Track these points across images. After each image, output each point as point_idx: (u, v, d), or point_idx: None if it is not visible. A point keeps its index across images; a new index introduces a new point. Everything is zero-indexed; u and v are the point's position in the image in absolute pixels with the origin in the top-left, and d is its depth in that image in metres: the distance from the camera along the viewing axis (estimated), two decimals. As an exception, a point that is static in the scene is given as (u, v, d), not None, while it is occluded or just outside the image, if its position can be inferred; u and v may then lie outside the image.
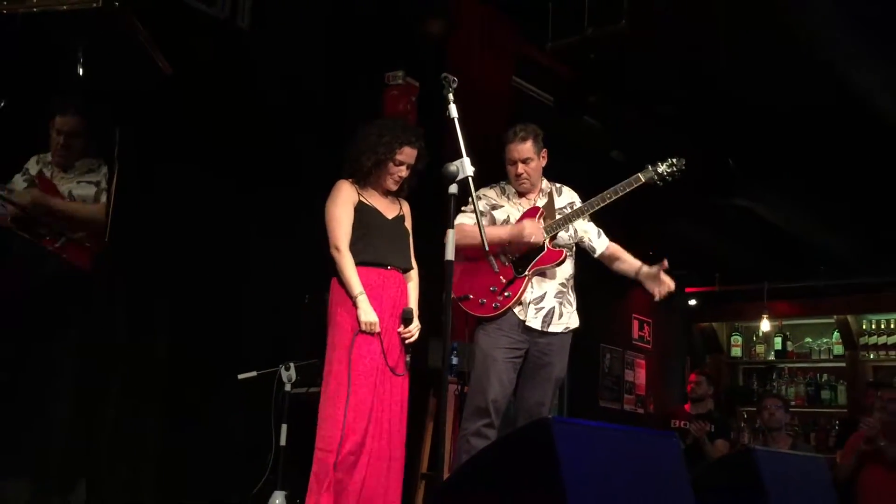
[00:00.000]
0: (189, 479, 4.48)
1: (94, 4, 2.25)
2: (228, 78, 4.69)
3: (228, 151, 4.71)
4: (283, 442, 4.35)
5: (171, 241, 4.46)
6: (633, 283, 8.89)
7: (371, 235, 3.85)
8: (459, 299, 4.00)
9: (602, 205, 4.02)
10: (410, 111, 5.39)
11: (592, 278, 7.97)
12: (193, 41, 4.48)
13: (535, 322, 3.96)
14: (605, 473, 2.24)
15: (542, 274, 4.03)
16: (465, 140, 3.30)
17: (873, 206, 7.47)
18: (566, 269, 4.10)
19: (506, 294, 3.96)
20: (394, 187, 3.95)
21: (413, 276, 4.00)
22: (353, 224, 3.85)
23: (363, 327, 3.67)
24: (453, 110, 3.37)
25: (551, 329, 3.99)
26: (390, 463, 3.77)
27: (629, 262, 4.26)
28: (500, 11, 5.86)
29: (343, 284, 3.75)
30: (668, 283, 4.13)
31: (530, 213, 4.08)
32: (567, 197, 4.21)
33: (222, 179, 4.69)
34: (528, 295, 3.99)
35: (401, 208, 4.02)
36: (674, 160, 4.10)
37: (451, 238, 3.17)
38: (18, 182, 4.03)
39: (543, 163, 4.15)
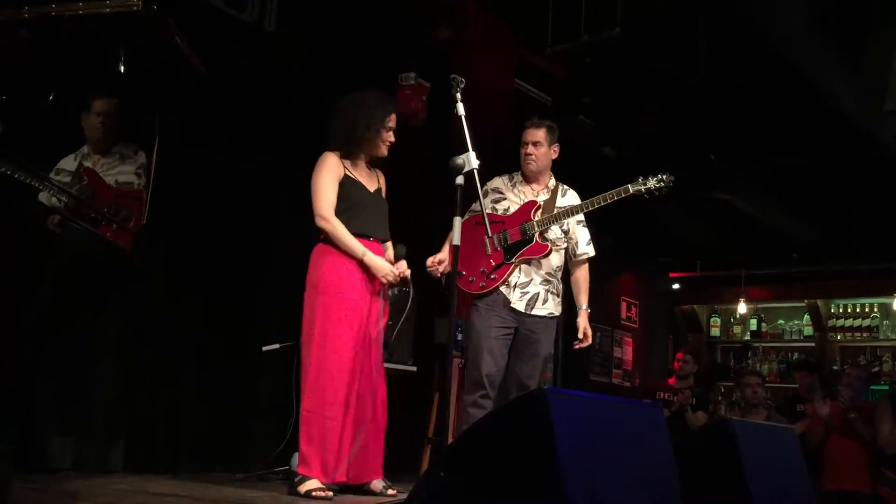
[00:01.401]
0: (217, 441, 4.50)
1: (135, 8, 2.24)
2: (256, 76, 4.68)
3: (255, 142, 4.71)
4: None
5: (203, 224, 4.47)
6: (622, 268, 8.93)
7: (356, 208, 3.71)
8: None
9: (590, 209, 4.01)
10: (422, 109, 5.38)
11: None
12: (224, 43, 4.48)
13: (519, 304, 3.98)
14: (596, 439, 2.24)
15: (530, 263, 4.03)
16: (471, 135, 3.30)
17: (842, 200, 7.45)
18: (554, 261, 4.09)
19: (492, 276, 3.99)
20: (386, 153, 3.82)
21: (390, 247, 3.90)
22: (339, 197, 3.68)
23: (390, 278, 3.63)
24: (460, 108, 3.37)
25: (534, 312, 3.99)
26: (374, 426, 3.70)
27: (580, 292, 4.19)
28: (504, 19, 5.84)
29: (342, 249, 3.62)
30: (587, 338, 4.11)
31: (527, 207, 4.06)
32: (570, 199, 4.18)
33: (248, 167, 4.69)
34: (515, 279, 4.00)
35: (378, 180, 3.89)
36: (663, 176, 4.02)
37: (458, 225, 3.17)
38: (62, 175, 4.04)
39: (554, 155, 4.15)
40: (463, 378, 4.77)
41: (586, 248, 4.19)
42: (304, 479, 3.49)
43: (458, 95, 3.35)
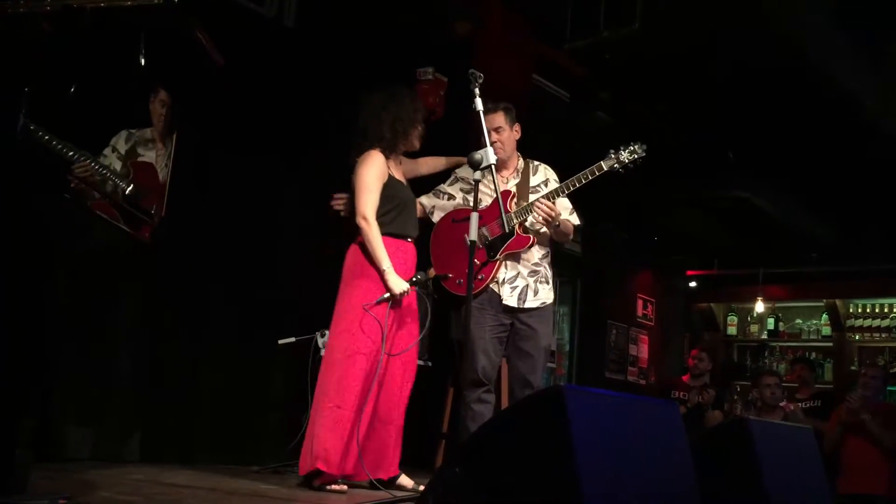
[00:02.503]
0: (232, 433, 4.52)
1: (156, 0, 2.25)
2: (275, 71, 4.68)
3: (272, 137, 4.72)
4: (317, 402, 4.37)
5: (219, 217, 4.48)
6: (638, 266, 8.90)
7: (402, 208, 3.73)
8: (441, 278, 3.95)
9: (563, 194, 3.88)
10: (439, 104, 5.37)
11: (602, 262, 8.01)
12: (244, 37, 4.48)
13: (511, 300, 3.89)
14: (612, 437, 2.23)
15: (515, 256, 3.93)
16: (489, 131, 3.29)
17: (861, 199, 7.40)
18: (540, 250, 3.99)
19: (479, 277, 3.87)
20: (419, 146, 3.86)
21: None
22: (387, 197, 3.68)
23: (397, 297, 3.58)
24: (479, 103, 3.37)
25: (527, 305, 3.90)
26: (392, 424, 3.72)
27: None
28: (523, 15, 5.82)
29: (369, 254, 3.61)
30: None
31: (502, 198, 3.81)
32: (542, 175, 4.07)
33: (266, 162, 4.70)
34: (502, 275, 3.91)
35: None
36: (635, 146, 3.87)
37: (475, 220, 3.16)
38: (111, 158, 3.95)
39: (517, 136, 4.04)
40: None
41: (569, 218, 4.05)
42: (320, 472, 3.48)
43: (477, 90, 3.34)
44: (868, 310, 8.90)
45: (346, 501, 3.37)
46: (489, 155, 3.19)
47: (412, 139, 3.81)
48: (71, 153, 3.49)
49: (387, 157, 3.74)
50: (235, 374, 4.58)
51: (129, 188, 3.83)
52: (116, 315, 4.02)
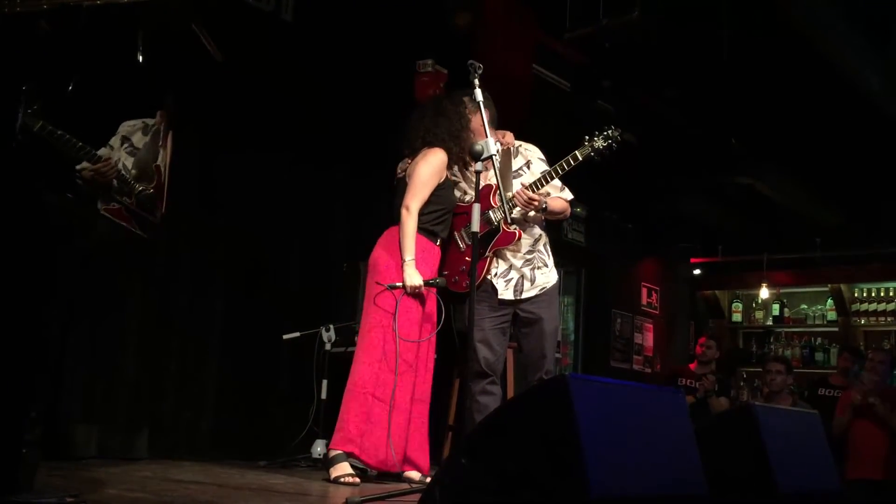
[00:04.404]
0: (239, 429, 4.53)
1: (152, -3, 2.25)
2: (273, 66, 4.67)
3: (273, 132, 4.71)
4: (323, 396, 4.39)
5: (221, 214, 4.49)
6: (642, 254, 8.89)
7: (447, 213, 3.82)
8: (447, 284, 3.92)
9: (540, 187, 3.80)
10: (439, 96, 5.35)
11: (606, 251, 8.00)
12: (242, 32, 4.47)
13: (507, 294, 3.85)
14: (618, 425, 2.23)
15: (504, 250, 3.89)
16: (490, 121, 3.28)
17: (865, 184, 7.38)
18: (530, 238, 3.92)
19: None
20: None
21: None
22: (438, 199, 3.76)
23: (408, 290, 3.61)
24: (479, 94, 3.35)
25: (524, 296, 3.85)
26: (421, 409, 3.79)
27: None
28: (522, 5, 5.80)
29: (400, 243, 3.66)
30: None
31: (485, 192, 3.81)
32: (522, 158, 4.00)
33: (268, 158, 4.70)
34: (494, 269, 3.87)
35: None
36: (608, 132, 3.83)
37: (476, 212, 3.14)
38: (120, 152, 3.81)
39: None
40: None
41: (560, 195, 3.98)
42: (340, 458, 3.52)
43: (477, 81, 3.33)
44: (873, 294, 8.88)
45: (354, 493, 3.37)
46: (490, 146, 3.17)
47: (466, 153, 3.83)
48: (89, 150, 3.45)
49: (449, 160, 3.81)
50: (242, 370, 4.60)
51: (143, 190, 3.78)
52: (123, 312, 4.03)
